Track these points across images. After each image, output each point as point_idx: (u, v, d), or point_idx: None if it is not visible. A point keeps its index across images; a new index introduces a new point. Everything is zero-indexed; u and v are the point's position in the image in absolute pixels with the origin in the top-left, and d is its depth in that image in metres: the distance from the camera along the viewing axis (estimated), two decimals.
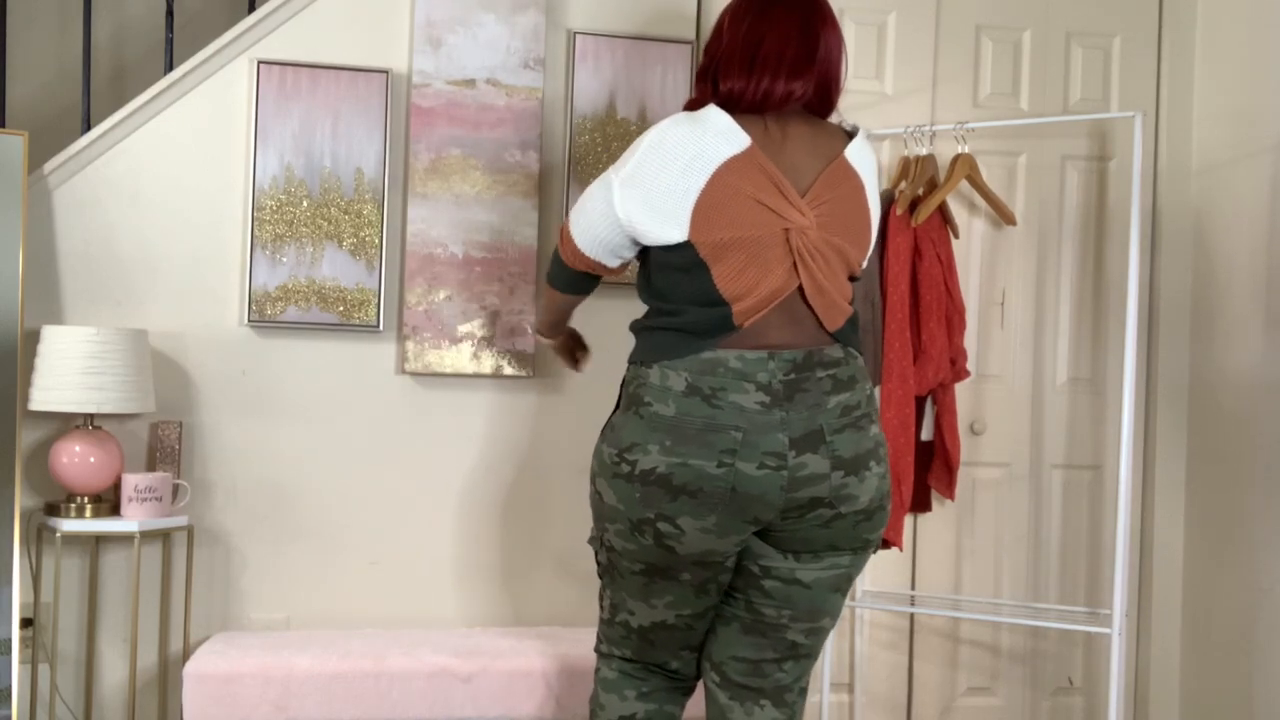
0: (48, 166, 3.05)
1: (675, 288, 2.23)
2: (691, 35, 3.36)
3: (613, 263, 2.36)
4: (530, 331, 3.25)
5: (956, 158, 3.27)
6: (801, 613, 2.25)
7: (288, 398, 3.18)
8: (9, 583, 2.87)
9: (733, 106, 2.25)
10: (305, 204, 3.15)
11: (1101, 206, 3.59)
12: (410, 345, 3.19)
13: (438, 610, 3.27)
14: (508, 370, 3.24)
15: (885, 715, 3.51)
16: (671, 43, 3.33)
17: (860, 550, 2.25)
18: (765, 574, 2.24)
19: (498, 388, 3.29)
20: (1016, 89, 3.56)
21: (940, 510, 3.51)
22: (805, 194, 2.19)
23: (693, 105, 2.30)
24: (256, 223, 3.13)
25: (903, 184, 3.27)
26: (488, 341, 3.23)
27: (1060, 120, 3.36)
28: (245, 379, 3.16)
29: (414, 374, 3.23)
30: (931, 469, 3.37)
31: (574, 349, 2.78)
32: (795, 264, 2.18)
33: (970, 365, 3.42)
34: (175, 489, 3.05)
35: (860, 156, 2.29)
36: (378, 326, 3.19)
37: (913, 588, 3.51)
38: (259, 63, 3.13)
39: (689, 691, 2.46)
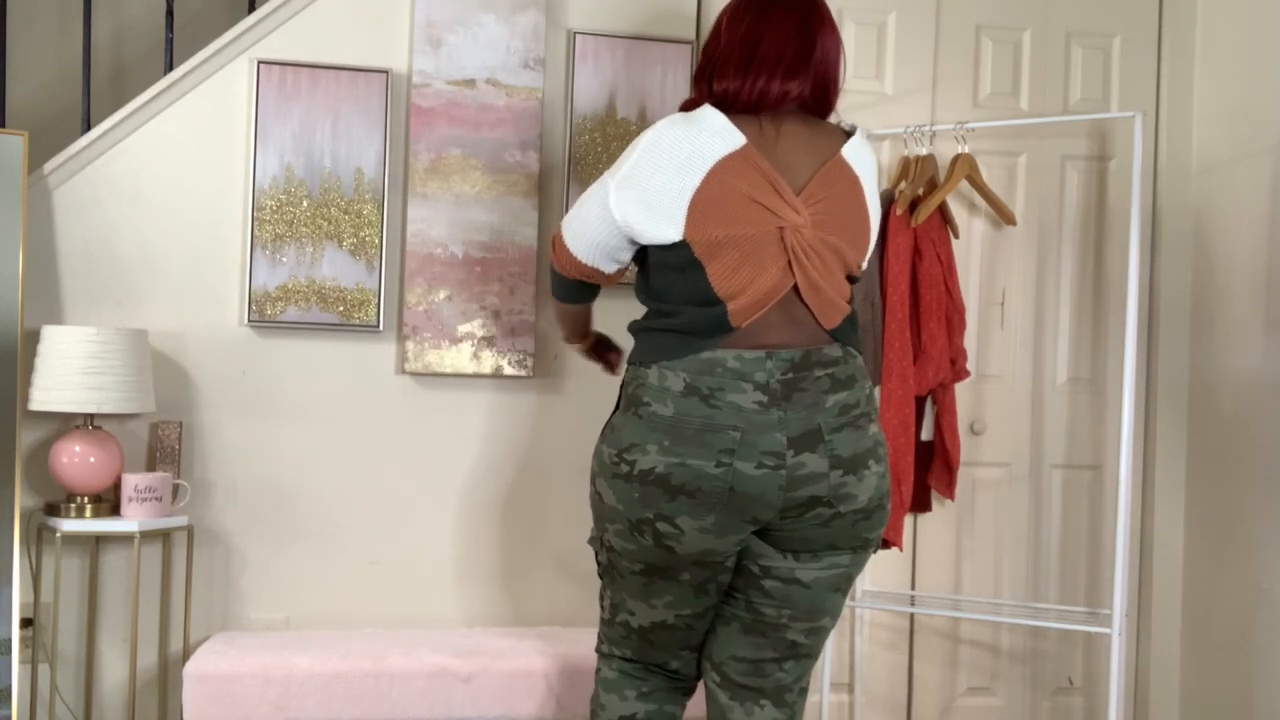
0: (48, 166, 3.05)
1: (672, 288, 2.23)
2: (691, 35, 3.36)
3: (609, 268, 2.34)
4: (531, 333, 3.25)
5: (956, 158, 3.27)
6: (801, 612, 2.25)
7: (288, 398, 3.18)
8: (9, 583, 2.87)
9: (728, 106, 2.25)
10: (305, 204, 3.15)
11: (1101, 206, 3.59)
12: (410, 345, 3.19)
13: (438, 610, 3.27)
14: (508, 370, 3.24)
15: (885, 715, 3.51)
16: (671, 43, 3.33)
17: (860, 550, 2.25)
18: (765, 574, 2.24)
19: (498, 388, 3.29)
20: (1016, 89, 3.56)
21: (940, 510, 3.51)
22: (800, 192, 2.19)
23: (688, 106, 2.30)
24: (256, 223, 3.13)
25: (903, 184, 3.27)
26: (488, 341, 3.23)
27: (1060, 120, 3.36)
28: (245, 379, 3.16)
29: (414, 374, 3.23)
30: (931, 469, 3.37)
31: (603, 351, 2.76)
32: (790, 262, 2.18)
33: (970, 365, 3.42)
34: (175, 489, 3.05)
35: (858, 156, 2.28)
36: (378, 326, 3.19)
37: (913, 588, 3.51)
38: (259, 63, 3.13)
39: (689, 692, 2.46)
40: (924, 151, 3.28)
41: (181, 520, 3.03)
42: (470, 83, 3.23)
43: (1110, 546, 3.54)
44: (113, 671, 3.08)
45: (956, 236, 3.37)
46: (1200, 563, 3.48)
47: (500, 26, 3.24)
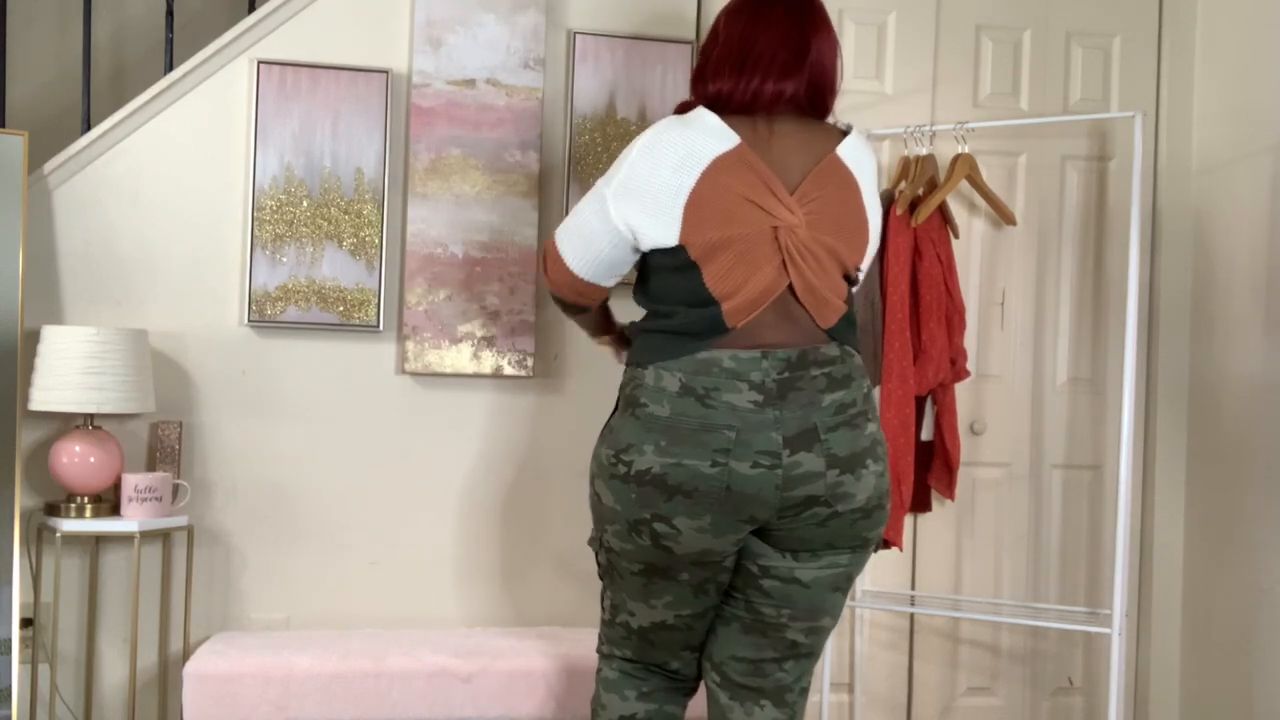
0: (48, 166, 3.05)
1: (668, 289, 2.24)
2: (691, 35, 3.36)
3: (607, 283, 2.34)
4: (531, 333, 3.25)
5: (956, 158, 3.27)
6: (801, 612, 2.25)
7: (288, 398, 3.18)
8: (9, 583, 2.87)
9: (722, 107, 2.26)
10: (305, 204, 3.15)
11: (1101, 206, 3.59)
12: (410, 345, 3.19)
13: (438, 610, 3.27)
14: (508, 370, 3.24)
15: (885, 715, 3.51)
16: (671, 43, 3.33)
17: (859, 549, 2.25)
18: (764, 573, 2.24)
19: (498, 388, 3.29)
20: (1016, 89, 3.56)
21: (940, 510, 3.51)
22: (794, 191, 2.20)
23: (683, 109, 2.31)
24: (256, 223, 3.13)
25: (903, 184, 3.27)
26: (488, 341, 3.23)
27: (1060, 120, 3.36)
28: (245, 379, 3.16)
29: (414, 374, 3.23)
30: (931, 469, 3.37)
31: (627, 345, 2.74)
32: (784, 262, 2.18)
33: (970, 365, 3.42)
34: (175, 489, 3.05)
35: (854, 155, 2.28)
36: (378, 326, 3.19)
37: (913, 588, 3.51)
38: (259, 63, 3.13)
39: (690, 692, 2.46)
40: (924, 151, 3.28)
41: (181, 520, 3.03)
42: (470, 83, 3.23)
43: (1110, 546, 3.54)
44: (113, 671, 3.08)
45: (956, 236, 3.37)
46: (1200, 563, 3.48)
47: (500, 26, 3.24)
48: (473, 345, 3.22)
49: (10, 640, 2.86)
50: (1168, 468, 3.55)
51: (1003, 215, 3.38)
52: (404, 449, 3.24)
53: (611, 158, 3.28)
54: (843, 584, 2.27)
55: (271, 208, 3.13)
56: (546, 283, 2.41)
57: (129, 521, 2.92)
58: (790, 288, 2.19)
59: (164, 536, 3.08)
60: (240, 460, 3.16)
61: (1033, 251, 3.56)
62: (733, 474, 2.12)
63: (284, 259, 3.14)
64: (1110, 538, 3.55)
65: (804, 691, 2.37)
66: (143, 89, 3.29)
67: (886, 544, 3.16)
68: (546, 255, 2.38)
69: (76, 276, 3.08)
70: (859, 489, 2.18)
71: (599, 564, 2.37)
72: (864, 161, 2.30)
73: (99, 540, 3.05)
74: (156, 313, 3.12)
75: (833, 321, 2.23)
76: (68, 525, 2.90)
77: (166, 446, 3.07)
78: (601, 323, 2.60)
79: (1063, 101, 3.58)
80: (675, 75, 3.33)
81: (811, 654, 2.33)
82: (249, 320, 3.12)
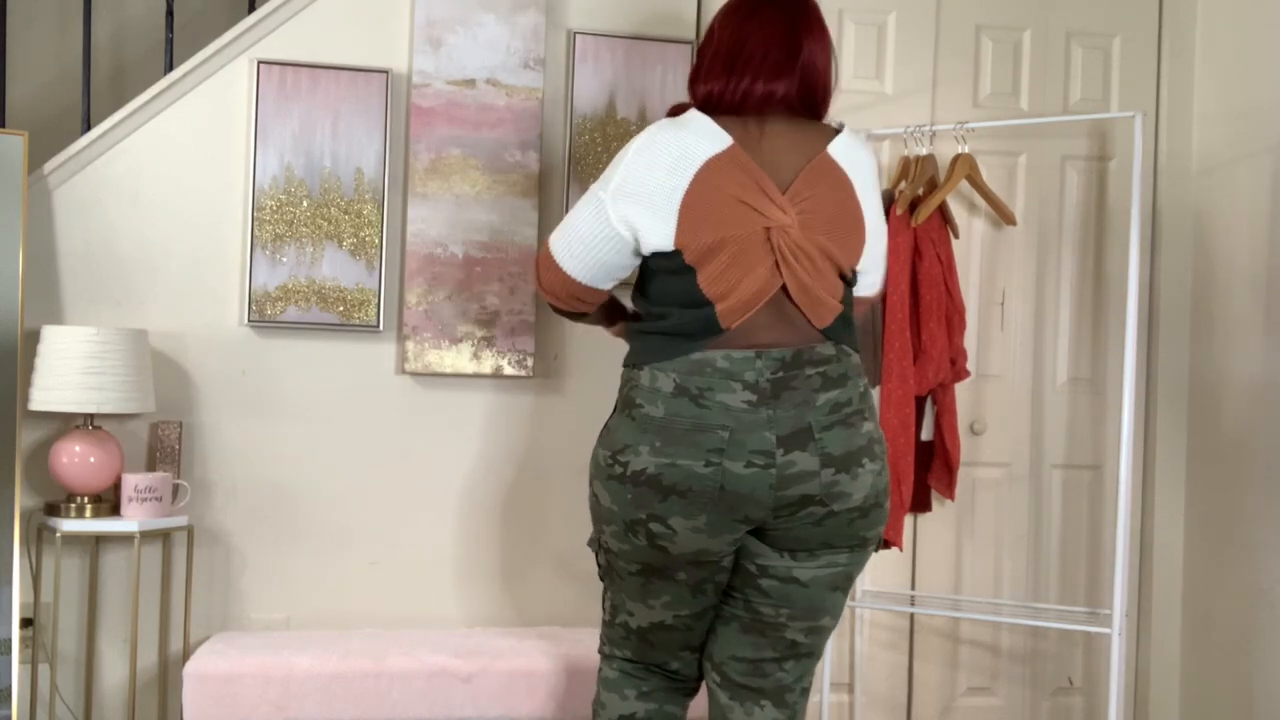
0: (48, 166, 3.05)
1: (664, 291, 2.24)
2: (691, 35, 3.36)
3: (606, 285, 2.33)
4: (531, 333, 3.25)
5: (956, 158, 3.27)
6: (800, 611, 2.25)
7: (288, 398, 3.18)
8: (9, 583, 2.87)
9: (714, 108, 2.27)
10: (305, 204, 3.15)
11: (1101, 206, 3.59)
12: (410, 345, 3.19)
13: (438, 610, 3.27)
14: (508, 370, 3.24)
15: (885, 715, 3.51)
16: (671, 43, 3.33)
17: (858, 548, 2.25)
18: (762, 573, 2.24)
19: (498, 388, 3.29)
20: (1016, 89, 3.56)
21: (940, 510, 3.51)
22: (786, 191, 2.20)
23: (676, 111, 2.32)
24: (256, 223, 3.13)
25: (903, 184, 3.27)
26: (488, 341, 3.23)
27: (1060, 120, 3.36)
28: (245, 379, 3.16)
29: (414, 374, 3.23)
30: (931, 469, 3.37)
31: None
32: (777, 263, 2.18)
33: (970, 365, 3.42)
34: (175, 489, 3.05)
35: (848, 154, 2.27)
36: (378, 326, 3.19)
37: (913, 588, 3.51)
38: (259, 63, 3.13)
39: (691, 693, 2.46)
40: (924, 151, 3.28)
41: (181, 520, 3.03)
42: (470, 83, 3.23)
43: (1110, 546, 3.54)
44: (113, 671, 3.08)
45: (956, 236, 3.37)
46: (1200, 563, 3.48)
47: (500, 26, 3.24)
48: (473, 345, 3.22)
49: (10, 640, 2.86)
50: (1168, 468, 3.55)
51: (1003, 215, 3.39)
52: (404, 449, 3.24)
53: (611, 158, 3.27)
54: (842, 583, 2.27)
55: (271, 208, 3.13)
56: (540, 292, 2.39)
57: (129, 521, 2.92)
58: (784, 288, 2.19)
59: (164, 536, 3.08)
60: (240, 460, 3.16)
61: (1033, 251, 3.56)
62: (726, 474, 2.13)
63: (284, 259, 3.14)
64: (1110, 538, 3.55)
65: (805, 692, 2.36)
66: (143, 89, 3.29)
67: (886, 544, 3.16)
68: (540, 264, 2.35)
69: (76, 276, 3.08)
70: (855, 488, 2.18)
71: (599, 565, 2.37)
72: (859, 160, 2.29)
73: (99, 540, 3.05)
74: (156, 313, 3.12)
75: (828, 321, 2.23)
76: (68, 525, 2.90)
77: (166, 446, 3.07)
78: (609, 314, 2.55)
79: (1063, 101, 3.58)
80: (675, 75, 3.33)
81: (812, 654, 2.33)
82: (249, 320, 3.12)
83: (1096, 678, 3.59)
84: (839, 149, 2.26)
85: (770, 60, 2.25)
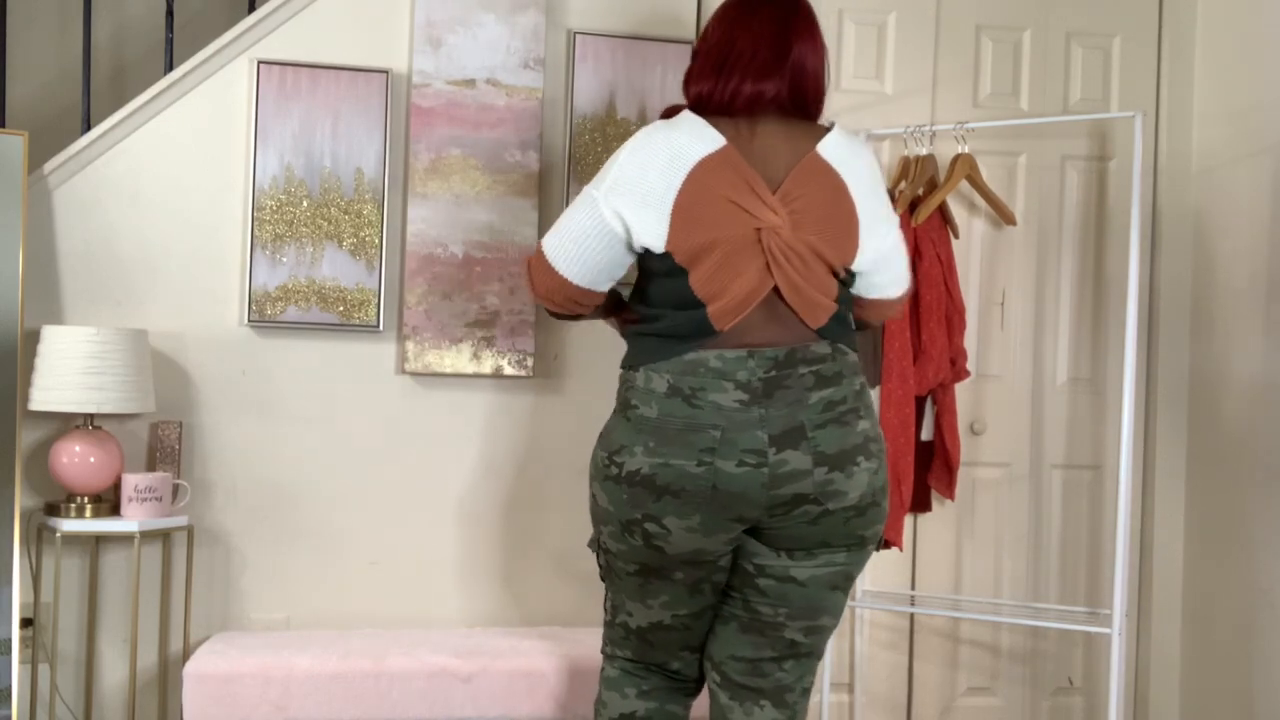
0: (48, 166, 3.05)
1: (658, 293, 2.25)
2: (691, 35, 3.36)
3: (603, 287, 2.32)
4: (531, 333, 3.26)
5: (956, 158, 3.27)
6: (798, 611, 2.25)
7: (288, 398, 3.18)
8: (9, 583, 2.87)
9: (705, 109, 2.28)
10: (305, 204, 3.15)
11: (1101, 206, 3.59)
12: (410, 345, 3.19)
13: (438, 610, 3.27)
14: (508, 370, 3.24)
15: (885, 715, 3.51)
16: (671, 43, 3.33)
17: (855, 547, 2.24)
18: (760, 572, 2.24)
19: (498, 388, 3.29)
20: (1016, 89, 3.56)
21: (940, 510, 3.51)
22: (776, 191, 2.20)
23: (669, 113, 2.33)
24: (256, 223, 3.13)
25: (903, 184, 3.27)
26: (488, 341, 3.23)
27: (1060, 120, 3.36)
28: (245, 379, 3.16)
29: (414, 374, 3.23)
30: (931, 469, 3.37)
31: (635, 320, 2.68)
32: (768, 264, 2.18)
33: (970, 365, 3.42)
34: (175, 489, 3.05)
35: (839, 152, 2.26)
36: (378, 326, 3.19)
37: (913, 588, 3.51)
38: (259, 63, 3.13)
39: (693, 693, 2.47)
40: (924, 151, 3.28)
41: (181, 520, 3.03)
42: (470, 83, 3.23)
43: (1110, 546, 3.54)
44: (113, 671, 3.08)
45: (956, 236, 3.37)
46: (1200, 563, 3.48)
47: (500, 26, 3.24)
48: (473, 345, 3.22)
49: (10, 640, 2.86)
50: (1168, 468, 3.55)
51: (1003, 215, 3.38)
52: (404, 449, 3.24)
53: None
54: (841, 583, 2.27)
55: (271, 208, 3.13)
56: (534, 297, 2.36)
57: (129, 521, 2.92)
58: (776, 289, 2.19)
59: (164, 536, 3.08)
60: (240, 460, 3.16)
61: (1033, 251, 3.56)
62: (719, 473, 2.13)
63: (284, 259, 3.14)
64: (1110, 538, 3.55)
65: (805, 692, 2.36)
66: (143, 89, 3.29)
67: (887, 544, 3.16)
68: (532, 268, 2.33)
69: (76, 276, 3.08)
70: (850, 486, 2.17)
71: (599, 565, 2.37)
72: (852, 158, 2.28)
73: (99, 540, 3.05)
74: (156, 313, 3.12)
75: (823, 321, 2.22)
76: (68, 525, 2.90)
77: (166, 446, 3.07)
78: (609, 308, 2.51)
79: (1063, 101, 3.58)
80: (675, 75, 3.32)
81: (812, 654, 2.32)
82: (249, 320, 3.12)
83: (1096, 678, 3.59)
84: (829, 148, 2.26)
85: (758, 61, 2.26)
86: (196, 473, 3.13)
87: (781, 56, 2.26)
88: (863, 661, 3.45)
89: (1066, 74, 3.58)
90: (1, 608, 2.86)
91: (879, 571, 3.48)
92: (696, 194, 2.17)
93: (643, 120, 3.31)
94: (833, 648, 3.39)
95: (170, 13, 3.34)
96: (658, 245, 2.20)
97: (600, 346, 3.27)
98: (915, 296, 3.22)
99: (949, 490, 3.35)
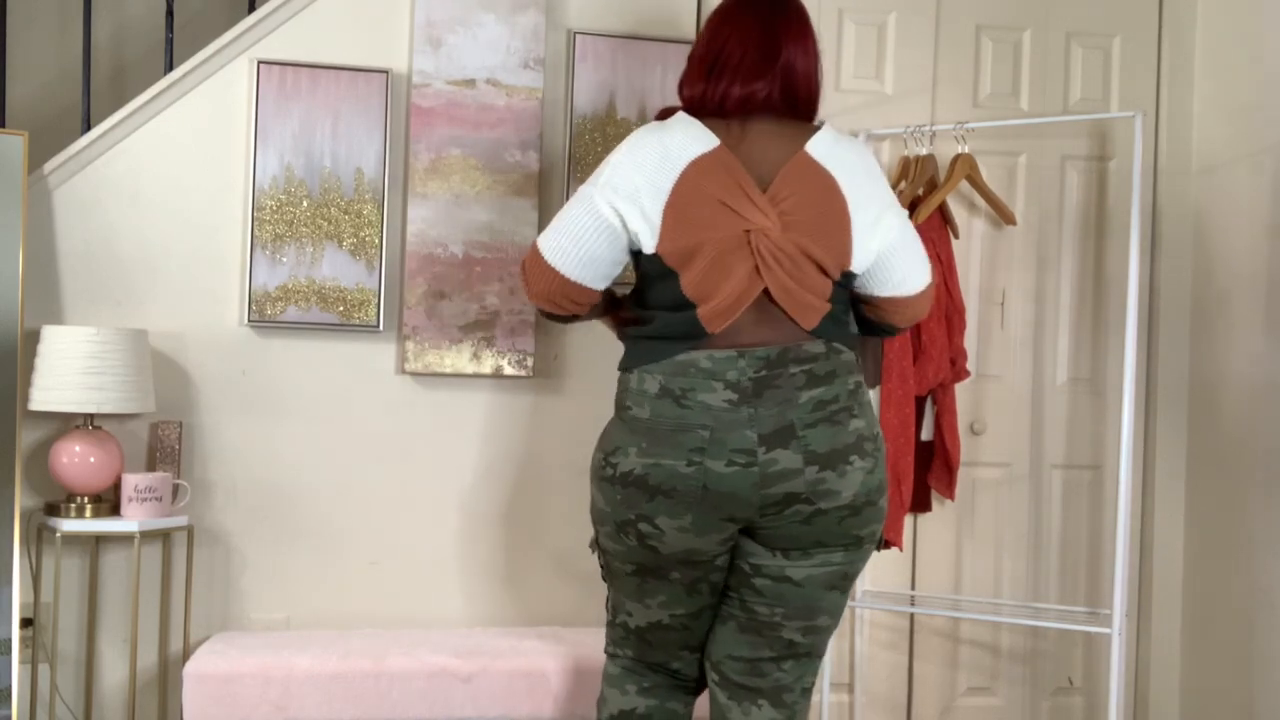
0: (48, 166, 3.05)
1: (652, 295, 2.26)
2: (691, 35, 3.36)
3: (599, 285, 2.29)
4: (531, 333, 3.26)
5: (956, 158, 3.27)
6: (794, 610, 2.25)
7: (288, 398, 3.18)
8: (9, 583, 2.87)
9: (699, 112, 2.29)
10: (305, 204, 3.15)
11: (1101, 206, 3.60)
12: (410, 345, 3.19)
13: (438, 610, 3.27)
14: (508, 370, 3.24)
15: (885, 715, 3.51)
16: (671, 43, 3.33)
17: (852, 547, 2.23)
18: (756, 572, 2.24)
19: (498, 388, 3.29)
20: (1016, 89, 3.56)
21: (940, 510, 3.51)
22: (766, 192, 2.20)
23: (663, 115, 2.34)
24: (256, 223, 3.13)
25: (903, 184, 3.27)
26: (488, 341, 3.23)
27: (1060, 120, 3.36)
28: (245, 379, 3.16)
29: (414, 374, 3.23)
30: (931, 469, 3.37)
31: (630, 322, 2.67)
32: (757, 266, 2.18)
33: (970, 365, 3.42)
34: (175, 489, 3.05)
35: (828, 151, 2.26)
36: (378, 326, 3.19)
37: (913, 588, 3.51)
38: (259, 63, 3.13)
39: (694, 691, 2.47)
40: (924, 151, 3.28)
41: (181, 520, 3.03)
42: (470, 83, 3.23)
43: (1110, 546, 3.54)
44: (113, 671, 3.08)
45: (956, 236, 3.37)
46: (1200, 563, 3.48)
47: (500, 26, 3.24)
48: (473, 345, 3.22)
49: (10, 640, 2.86)
50: (1168, 468, 3.55)
51: (1003, 215, 3.38)
52: (404, 449, 3.24)
53: None
54: (839, 583, 2.26)
55: (271, 208, 3.13)
56: (530, 298, 2.34)
57: (129, 521, 2.92)
58: (767, 291, 2.19)
59: (164, 536, 3.08)
60: (240, 460, 3.16)
61: (1033, 251, 3.56)
62: (708, 473, 2.14)
63: (284, 259, 3.14)
64: (1110, 538, 3.55)
65: (805, 692, 2.36)
66: (143, 89, 3.29)
67: (887, 544, 3.16)
68: (527, 268, 2.31)
69: (76, 276, 3.08)
70: (844, 485, 2.17)
71: (600, 565, 2.38)
72: (842, 155, 2.26)
73: (99, 540, 3.05)
74: (156, 313, 3.12)
75: (815, 322, 2.22)
76: (68, 525, 2.90)
77: (166, 446, 3.07)
78: (606, 307, 2.50)
79: (1063, 101, 3.58)
80: (675, 75, 3.29)
81: (811, 654, 2.32)
82: (249, 320, 3.12)
83: (1096, 678, 3.59)
84: (818, 147, 2.25)
85: (746, 63, 2.27)
86: (196, 473, 3.13)
87: (771, 58, 2.27)
88: (863, 661, 3.45)
89: (1066, 74, 3.58)
90: (1, 608, 2.86)
91: (879, 571, 3.48)
92: (688, 194, 2.18)
93: (642, 120, 3.31)
94: (833, 648, 3.39)
95: (170, 13, 3.34)
96: (649, 245, 2.20)
97: (600, 347, 3.26)
98: None
99: (949, 490, 3.35)
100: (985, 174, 3.39)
